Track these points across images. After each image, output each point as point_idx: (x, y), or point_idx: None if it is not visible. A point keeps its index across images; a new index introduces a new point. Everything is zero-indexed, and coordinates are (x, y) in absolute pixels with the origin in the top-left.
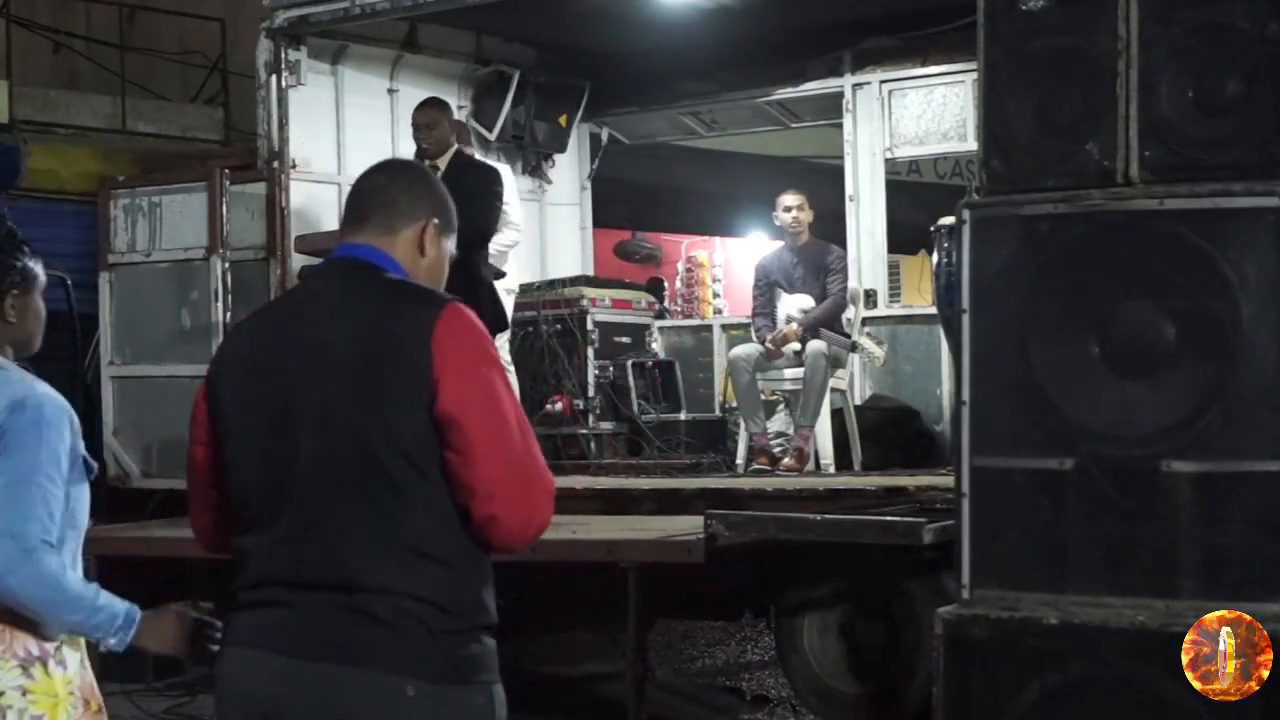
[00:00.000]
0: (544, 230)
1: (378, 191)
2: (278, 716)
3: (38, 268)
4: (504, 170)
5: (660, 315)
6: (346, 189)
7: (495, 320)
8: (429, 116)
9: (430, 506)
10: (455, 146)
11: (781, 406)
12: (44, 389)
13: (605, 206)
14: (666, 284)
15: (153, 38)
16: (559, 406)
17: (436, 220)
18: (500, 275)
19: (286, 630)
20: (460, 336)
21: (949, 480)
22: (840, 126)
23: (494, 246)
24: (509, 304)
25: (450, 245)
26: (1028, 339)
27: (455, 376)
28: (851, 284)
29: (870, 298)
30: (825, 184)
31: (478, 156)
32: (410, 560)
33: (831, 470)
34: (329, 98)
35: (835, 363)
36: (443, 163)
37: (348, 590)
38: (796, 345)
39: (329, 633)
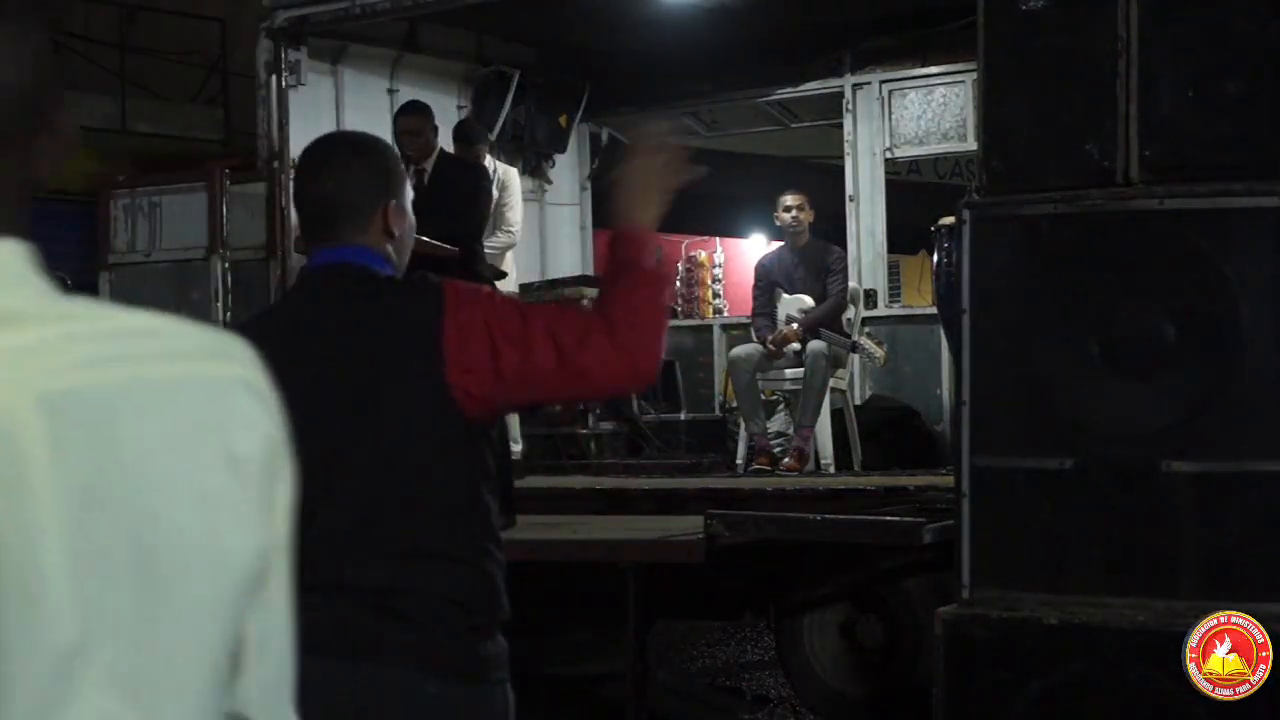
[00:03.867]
0: (544, 230)
1: (331, 200)
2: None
3: None
4: (511, 173)
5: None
6: None
7: None
8: (414, 123)
9: (449, 509)
10: (438, 148)
11: (781, 406)
12: None
13: (605, 206)
14: None
15: (153, 38)
16: (559, 406)
17: (394, 200)
18: (501, 275)
19: (309, 630)
20: (465, 301)
21: (949, 480)
22: (840, 126)
23: (487, 248)
24: None
25: (408, 205)
26: (1028, 339)
27: (478, 346)
28: (851, 284)
29: (870, 298)
30: (825, 184)
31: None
32: (430, 561)
33: (831, 470)
34: (329, 98)
35: (835, 363)
36: (428, 165)
37: (369, 591)
38: (796, 345)
39: (352, 631)
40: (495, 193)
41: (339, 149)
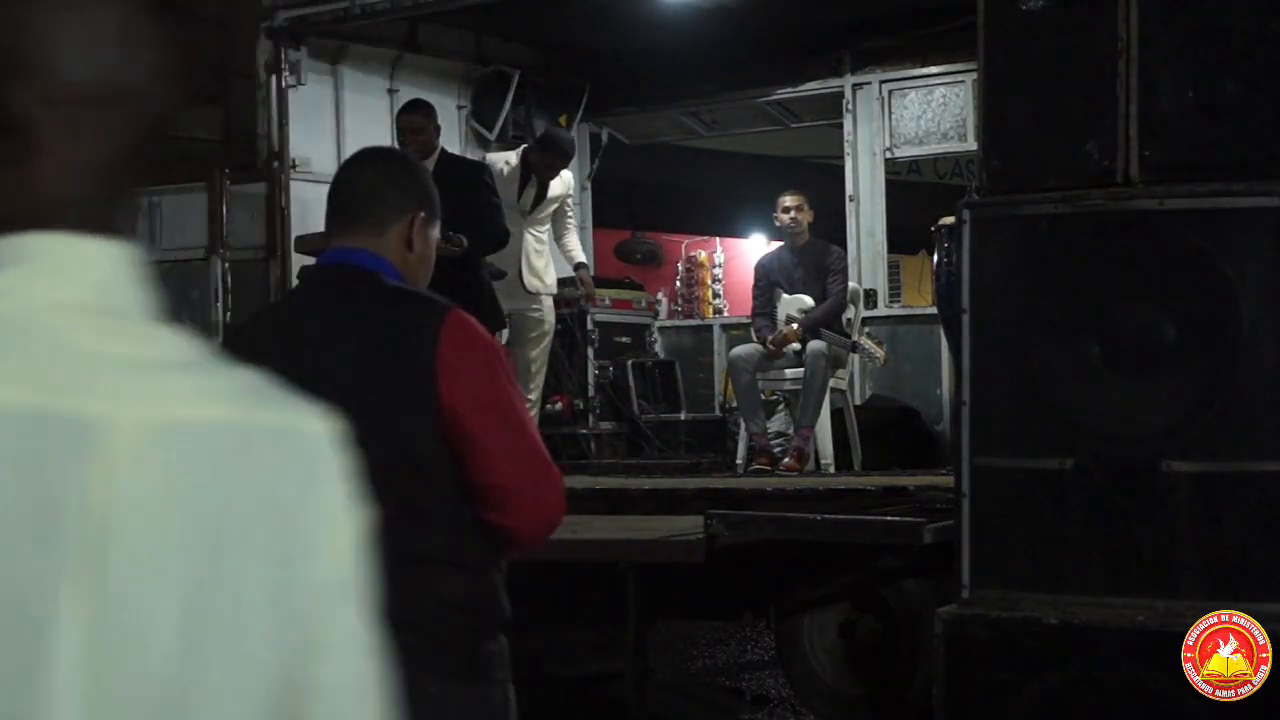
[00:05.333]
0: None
1: (364, 188)
2: None
3: None
4: (566, 175)
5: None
6: None
7: (492, 320)
8: (415, 121)
9: (446, 518)
10: (440, 147)
11: (781, 406)
12: None
13: (605, 206)
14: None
15: None
16: (559, 406)
17: (423, 213)
18: (500, 275)
19: None
20: (464, 346)
21: (949, 480)
22: (840, 126)
23: (578, 255)
24: (548, 306)
25: (435, 233)
26: (1028, 339)
27: (462, 390)
28: (851, 284)
29: (870, 298)
30: (825, 184)
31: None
32: (430, 566)
33: (831, 470)
34: (329, 98)
35: (835, 363)
36: (430, 164)
37: None
38: (796, 345)
39: None
40: (566, 190)
41: (382, 152)
